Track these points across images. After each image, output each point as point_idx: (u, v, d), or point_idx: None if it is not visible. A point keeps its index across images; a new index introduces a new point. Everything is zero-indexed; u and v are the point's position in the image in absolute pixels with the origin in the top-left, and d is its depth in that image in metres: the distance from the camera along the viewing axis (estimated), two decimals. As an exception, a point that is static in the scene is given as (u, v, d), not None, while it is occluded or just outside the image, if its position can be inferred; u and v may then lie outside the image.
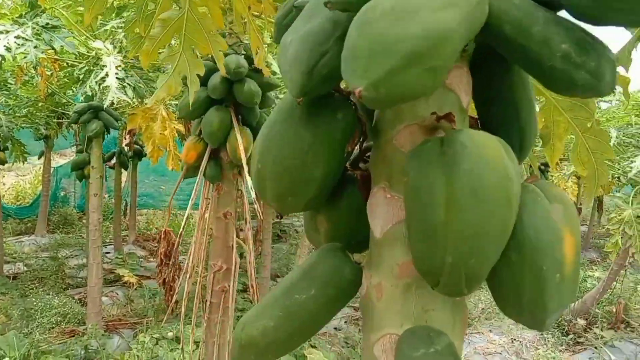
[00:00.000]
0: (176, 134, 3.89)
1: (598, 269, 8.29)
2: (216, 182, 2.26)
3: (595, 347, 5.17)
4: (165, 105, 3.88)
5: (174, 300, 2.30)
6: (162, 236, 2.32)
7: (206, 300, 2.33)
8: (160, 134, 3.77)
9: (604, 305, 5.94)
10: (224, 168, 2.29)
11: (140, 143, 7.21)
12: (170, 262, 2.34)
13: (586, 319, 5.82)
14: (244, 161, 2.06)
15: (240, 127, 2.18)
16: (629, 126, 5.57)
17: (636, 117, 5.65)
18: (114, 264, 6.72)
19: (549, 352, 5.03)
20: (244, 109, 2.24)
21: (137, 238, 8.25)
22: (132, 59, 3.53)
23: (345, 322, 5.38)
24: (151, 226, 9.38)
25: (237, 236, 2.30)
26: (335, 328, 5.20)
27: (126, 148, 7.08)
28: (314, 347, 4.54)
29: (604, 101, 5.77)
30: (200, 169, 2.19)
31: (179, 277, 2.30)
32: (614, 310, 5.94)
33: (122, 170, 7.26)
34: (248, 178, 2.09)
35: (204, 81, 2.21)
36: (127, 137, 6.57)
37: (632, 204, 5.00)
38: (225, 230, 2.32)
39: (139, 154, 7.34)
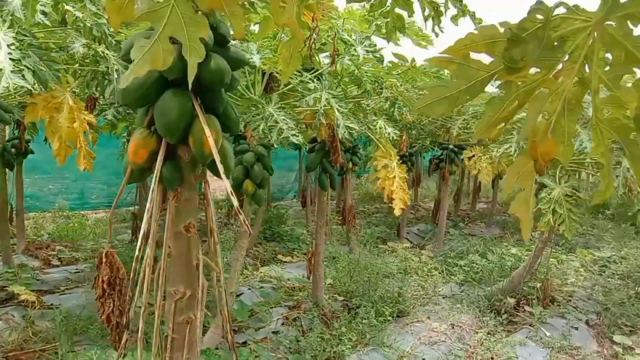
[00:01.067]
0: (87, 127, 3.25)
1: (508, 245, 8.62)
2: (174, 188, 1.76)
3: (531, 325, 5.26)
4: (72, 91, 3.21)
5: (124, 340, 1.78)
6: (103, 260, 1.78)
7: (166, 336, 1.84)
8: (68, 127, 3.11)
9: (528, 282, 6.09)
10: (184, 169, 1.79)
11: (26, 138, 6.26)
12: (116, 292, 1.81)
13: (515, 297, 5.93)
14: (216, 157, 1.59)
15: (205, 115, 1.70)
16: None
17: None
18: (4, 280, 5.75)
19: (490, 335, 5.02)
20: (208, 92, 1.76)
21: (27, 247, 7.21)
22: (28, 36, 2.84)
23: (283, 323, 4.99)
24: (42, 231, 8.29)
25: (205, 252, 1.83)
26: (273, 332, 4.80)
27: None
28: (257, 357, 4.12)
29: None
30: (155, 171, 1.69)
31: (128, 311, 1.78)
32: (538, 286, 6.12)
33: (7, 170, 6.24)
34: (222, 180, 1.62)
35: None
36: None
37: (559, 182, 5.09)
38: (188, 248, 1.84)
39: (24, 152, 6.36)
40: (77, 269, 6.34)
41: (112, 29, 3.56)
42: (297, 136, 3.09)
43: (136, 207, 7.05)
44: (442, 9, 2.09)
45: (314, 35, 2.61)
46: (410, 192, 5.07)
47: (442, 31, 2.15)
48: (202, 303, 1.87)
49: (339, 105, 3.43)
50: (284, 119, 3.17)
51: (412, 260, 7.50)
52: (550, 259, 7.93)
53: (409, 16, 2.20)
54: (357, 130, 3.38)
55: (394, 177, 4.59)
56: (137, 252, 1.62)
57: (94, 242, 7.52)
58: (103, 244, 7.33)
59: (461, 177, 11.86)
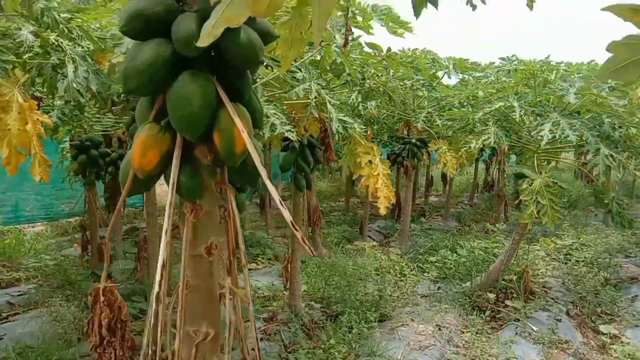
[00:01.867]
0: (42, 130, 2.74)
1: (474, 238, 8.56)
2: (195, 199, 1.36)
3: (517, 320, 5.11)
4: (23, 87, 2.69)
5: (130, 402, 1.36)
6: (100, 298, 1.35)
7: (185, 391, 1.44)
8: (19, 129, 2.59)
9: (504, 276, 5.98)
10: (204, 175, 1.39)
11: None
12: (117, 339, 1.38)
13: (494, 292, 5.79)
14: (255, 156, 1.21)
15: (233, 104, 1.31)
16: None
17: (524, 86, 5.69)
18: None
19: (479, 334, 4.83)
20: (232, 74, 1.37)
21: (-42, 270, 6.40)
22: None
23: (262, 339, 4.59)
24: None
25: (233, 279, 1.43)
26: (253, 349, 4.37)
27: None
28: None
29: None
30: (171, 179, 1.28)
31: (134, 362, 1.36)
32: (515, 279, 6.02)
33: None
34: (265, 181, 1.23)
35: (161, 28, 1.29)
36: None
37: (540, 173, 4.97)
38: (209, 274, 1.43)
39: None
40: (20, 291, 5.64)
41: (64, 15, 3.05)
42: (292, 132, 2.72)
43: (84, 216, 6.39)
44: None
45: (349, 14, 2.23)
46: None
47: (484, 2, 1.85)
48: (229, 345, 1.48)
49: (330, 97, 3.07)
50: (274, 113, 2.78)
51: (382, 259, 7.26)
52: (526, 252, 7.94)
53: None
54: (350, 124, 3.04)
55: (378, 174, 4.29)
56: (155, 288, 1.21)
57: (36, 260, 6.78)
58: (47, 261, 6.63)
59: (416, 171, 11.79)
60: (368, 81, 3.90)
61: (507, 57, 7.59)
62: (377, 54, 4.33)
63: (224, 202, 1.46)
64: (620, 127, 5.12)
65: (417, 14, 1.96)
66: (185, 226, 1.36)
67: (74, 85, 2.93)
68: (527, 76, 5.38)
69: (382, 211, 4.33)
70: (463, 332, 4.97)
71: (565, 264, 7.47)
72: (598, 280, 6.43)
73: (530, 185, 4.91)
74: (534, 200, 4.85)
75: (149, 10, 1.25)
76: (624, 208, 5.27)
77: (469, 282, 6.09)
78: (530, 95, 5.38)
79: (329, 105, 3.00)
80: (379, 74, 4.09)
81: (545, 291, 6.12)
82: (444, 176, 12.74)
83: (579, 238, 8.62)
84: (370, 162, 4.32)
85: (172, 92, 1.26)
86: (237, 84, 1.37)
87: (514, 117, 5.03)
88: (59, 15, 3.04)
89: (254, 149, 1.23)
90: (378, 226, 10.08)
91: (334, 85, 4.08)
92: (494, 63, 8.00)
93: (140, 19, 1.25)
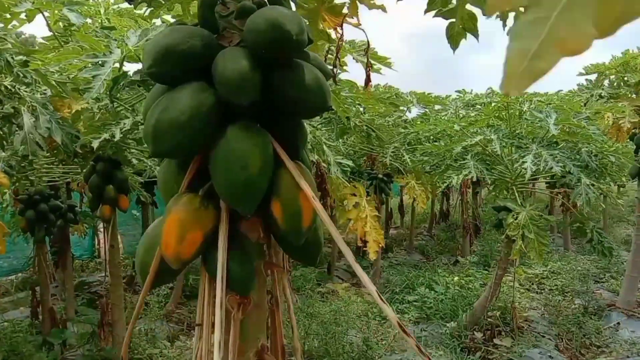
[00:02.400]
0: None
1: (444, 272, 8.39)
2: (247, 292, 1.02)
3: (510, 360, 4.90)
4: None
5: None
6: None
7: None
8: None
9: (487, 312, 5.79)
10: (252, 257, 1.06)
11: None
12: None
13: (480, 331, 5.58)
14: (334, 232, 0.91)
15: (294, 162, 1.01)
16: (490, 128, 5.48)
17: (496, 118, 5.64)
18: None
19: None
20: (287, 126, 1.07)
21: None
22: None
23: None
24: None
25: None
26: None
27: None
28: None
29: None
30: (219, 269, 0.94)
31: None
32: (498, 315, 5.85)
33: None
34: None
35: (196, 68, 0.98)
36: None
37: (525, 206, 4.86)
38: (261, 387, 1.09)
39: None
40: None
41: (18, 58, 2.66)
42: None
43: (33, 276, 5.74)
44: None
45: (339, 45, 1.98)
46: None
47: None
48: None
49: (325, 139, 2.80)
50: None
51: (357, 302, 6.93)
52: (488, 281, 7.82)
53: (484, 15, 1.67)
54: (350, 167, 2.77)
55: (366, 216, 4.02)
56: None
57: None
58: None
59: (386, 206, 11.65)
60: (353, 119, 3.66)
61: (464, 89, 7.63)
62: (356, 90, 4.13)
63: (272, 288, 1.13)
64: (596, 155, 5.13)
65: (454, 45, 1.73)
66: (232, 326, 1.02)
67: (32, 136, 2.52)
68: (500, 108, 5.32)
69: (372, 256, 4.07)
70: (457, 378, 4.69)
71: (539, 293, 7.40)
72: (577, 309, 6.36)
73: (515, 219, 4.77)
74: (521, 235, 4.71)
75: (183, 45, 0.94)
76: (604, 237, 5.22)
77: (453, 322, 5.85)
78: (503, 127, 5.32)
79: (325, 148, 2.71)
80: (362, 112, 3.86)
81: (529, 325, 5.96)
82: (400, 208, 12.71)
83: (547, 265, 8.62)
84: (357, 203, 4.06)
85: (219, 153, 0.94)
86: (293, 137, 1.06)
87: (494, 150, 4.92)
88: (12, 57, 2.65)
89: (329, 221, 0.92)
90: (345, 264, 9.77)
91: (317, 123, 3.83)
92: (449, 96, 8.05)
93: (174, 57, 0.93)
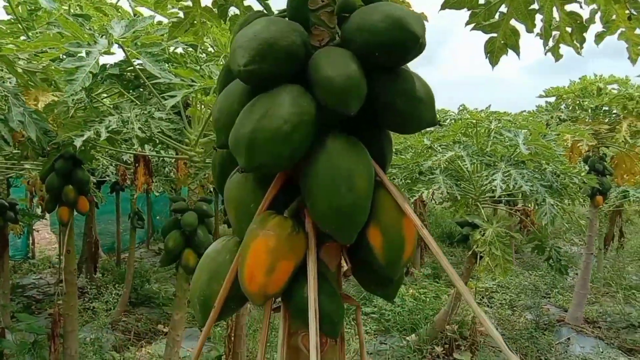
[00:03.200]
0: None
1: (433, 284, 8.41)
2: (337, 333, 0.89)
3: (471, 376, 4.92)
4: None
5: None
6: None
7: None
8: None
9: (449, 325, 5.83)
10: (337, 290, 0.93)
11: None
12: None
13: (440, 345, 5.60)
14: (443, 261, 0.80)
15: (391, 183, 0.88)
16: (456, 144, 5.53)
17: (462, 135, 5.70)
18: None
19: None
20: (383, 140, 0.95)
21: None
22: None
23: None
24: None
25: None
26: None
27: None
28: None
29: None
30: (312, 305, 0.80)
31: None
32: (456, 329, 5.89)
33: None
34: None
35: (290, 69, 0.84)
36: None
37: (492, 223, 4.91)
38: None
39: None
40: None
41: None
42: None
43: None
44: (584, 22, 1.54)
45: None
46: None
47: (579, 53, 1.59)
48: None
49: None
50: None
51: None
52: (441, 295, 7.92)
53: (527, 31, 1.61)
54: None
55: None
56: None
57: None
58: None
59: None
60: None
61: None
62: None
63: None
64: (558, 175, 5.27)
65: (494, 61, 1.66)
66: (307, 370, 0.87)
67: (-2, 129, 2.25)
68: (469, 125, 5.38)
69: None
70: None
71: (490, 307, 7.55)
72: (529, 324, 6.51)
73: (482, 236, 4.81)
74: (489, 252, 4.75)
75: (283, 41, 0.80)
76: (562, 256, 5.37)
77: (414, 335, 5.84)
78: (472, 144, 5.38)
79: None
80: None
81: (485, 339, 6.04)
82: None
83: (494, 280, 8.83)
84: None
85: (319, 170, 0.80)
86: (383, 153, 0.93)
87: (464, 166, 4.95)
88: (-21, 40, 2.37)
89: (438, 250, 0.81)
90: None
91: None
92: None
93: (274, 54, 0.78)
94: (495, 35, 1.62)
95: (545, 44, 1.65)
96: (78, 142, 2.13)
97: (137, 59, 2.45)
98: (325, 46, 0.89)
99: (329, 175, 0.79)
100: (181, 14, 1.88)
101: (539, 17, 1.59)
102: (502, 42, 1.62)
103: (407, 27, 0.77)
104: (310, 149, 0.82)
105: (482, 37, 1.60)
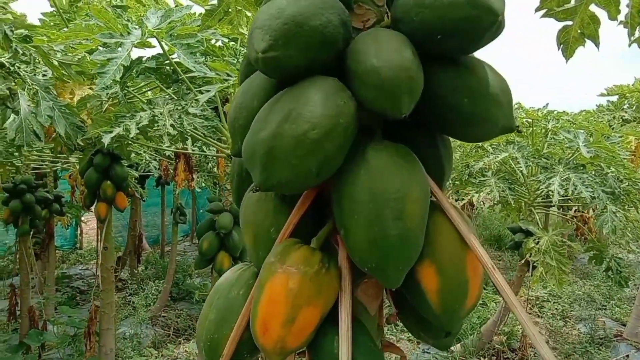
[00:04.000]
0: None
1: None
2: None
3: (521, 394, 4.61)
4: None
5: None
6: None
7: None
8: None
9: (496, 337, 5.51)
10: (376, 341, 0.74)
11: None
12: None
13: (487, 356, 5.30)
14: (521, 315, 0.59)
15: (451, 204, 0.68)
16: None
17: (516, 135, 5.36)
18: None
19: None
20: (432, 147, 0.75)
21: None
22: None
23: None
24: None
25: None
26: None
27: None
28: None
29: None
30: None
31: None
32: (503, 340, 5.57)
33: None
34: None
35: (323, 58, 0.64)
36: None
37: (547, 230, 4.58)
38: None
39: None
40: None
41: (18, 32, 2.30)
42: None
43: (14, 278, 5.34)
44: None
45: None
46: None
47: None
48: None
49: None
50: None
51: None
52: (488, 302, 7.57)
53: (610, 18, 1.36)
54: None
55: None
56: None
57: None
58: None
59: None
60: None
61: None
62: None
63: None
64: (621, 180, 4.88)
65: (569, 54, 1.42)
66: None
67: (29, 124, 2.16)
68: (522, 124, 5.04)
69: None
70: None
71: (541, 317, 7.16)
72: (584, 337, 6.11)
73: (537, 244, 4.49)
74: (543, 261, 4.43)
75: (316, 19, 0.60)
76: (623, 267, 4.98)
77: (458, 345, 5.56)
78: (527, 144, 5.04)
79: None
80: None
81: (535, 353, 5.69)
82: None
83: (546, 287, 8.39)
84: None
85: (357, 190, 0.61)
86: (440, 166, 0.73)
87: (518, 168, 4.64)
88: (11, 30, 2.28)
89: (512, 296, 0.60)
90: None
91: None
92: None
93: (304, 36, 0.59)
94: (570, 23, 1.38)
95: (631, 33, 1.39)
96: (107, 139, 2.02)
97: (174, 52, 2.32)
98: (370, 28, 0.70)
99: (370, 197, 0.59)
100: (215, 1, 1.73)
101: (624, 2, 1.34)
102: (579, 31, 1.37)
103: (486, 2, 0.56)
104: (346, 161, 0.63)
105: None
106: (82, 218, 10.66)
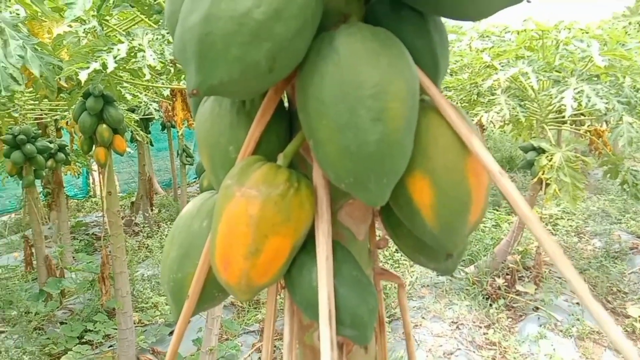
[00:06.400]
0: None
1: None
2: (368, 338, 0.59)
3: (536, 309, 4.64)
4: None
5: None
6: None
7: None
8: None
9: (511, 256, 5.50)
10: (364, 272, 0.63)
11: None
12: None
13: (501, 276, 5.31)
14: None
15: (447, 100, 0.54)
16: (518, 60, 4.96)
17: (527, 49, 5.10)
18: None
19: (505, 331, 4.31)
20: (420, 29, 0.60)
21: None
22: None
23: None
24: None
25: None
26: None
27: None
28: None
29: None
30: (324, 301, 0.51)
31: None
32: (518, 260, 5.57)
33: None
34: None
35: None
36: None
37: (560, 145, 4.44)
38: None
39: None
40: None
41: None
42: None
43: (25, 223, 5.36)
44: None
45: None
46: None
47: None
48: None
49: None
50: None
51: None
52: (501, 223, 7.55)
53: None
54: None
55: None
56: None
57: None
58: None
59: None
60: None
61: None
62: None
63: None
64: (638, 90, 4.66)
65: None
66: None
67: (4, 67, 2.02)
68: (532, 38, 4.77)
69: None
70: (481, 328, 4.44)
71: (555, 235, 7.13)
72: (599, 252, 6.10)
73: (550, 161, 4.36)
74: (556, 178, 4.31)
75: None
76: (639, 179, 4.85)
77: (472, 266, 5.58)
78: (537, 58, 4.79)
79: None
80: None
81: (550, 270, 5.69)
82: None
83: (559, 205, 8.32)
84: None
85: (324, 86, 0.48)
86: (440, 55, 0.60)
87: (529, 84, 4.43)
88: (-28, -35, 2.10)
89: (525, 207, 0.49)
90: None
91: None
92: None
93: None
94: None
95: None
96: (83, 76, 1.88)
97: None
98: None
99: (341, 95, 0.47)
100: None
101: None
102: None
103: None
104: (310, 53, 0.50)
105: None
106: (94, 167, 10.68)
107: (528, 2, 0.51)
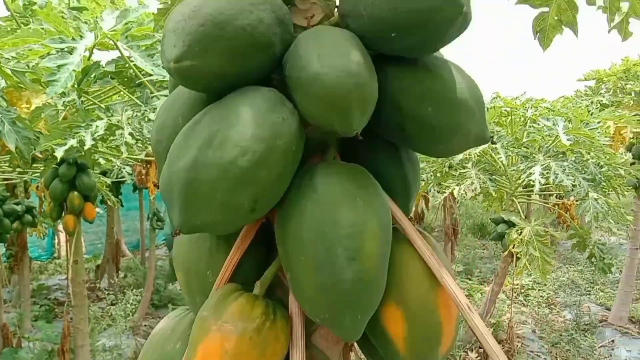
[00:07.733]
0: None
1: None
2: None
3: (510, 386, 4.57)
4: None
5: None
6: None
7: None
8: None
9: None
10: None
11: None
12: None
13: (474, 350, 5.26)
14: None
15: (417, 231, 0.57)
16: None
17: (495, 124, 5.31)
18: None
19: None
20: (392, 163, 0.64)
21: None
22: None
23: None
24: None
25: None
26: None
27: None
28: None
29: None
30: None
31: None
32: (490, 332, 5.53)
33: None
34: None
35: (255, 64, 0.52)
36: None
37: (530, 220, 4.54)
38: None
39: None
40: None
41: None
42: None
43: None
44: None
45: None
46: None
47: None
48: None
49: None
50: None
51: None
52: (473, 293, 7.56)
53: (588, 3, 1.27)
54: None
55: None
56: None
57: None
58: None
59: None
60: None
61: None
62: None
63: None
64: (602, 166, 4.85)
65: (546, 42, 1.33)
66: None
67: (-22, 138, 2.01)
68: (502, 114, 4.99)
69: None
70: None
71: (526, 306, 7.16)
72: (569, 324, 6.12)
73: (519, 235, 4.44)
74: (526, 252, 4.39)
75: (243, 18, 0.49)
76: (606, 253, 4.97)
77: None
78: (506, 134, 4.98)
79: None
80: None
81: (522, 343, 5.68)
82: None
83: (530, 275, 8.40)
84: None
85: (302, 226, 0.50)
86: (412, 184, 0.62)
87: (498, 159, 4.58)
88: (-46, 38, 2.13)
89: (489, 339, 0.50)
90: None
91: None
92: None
93: (225, 40, 0.48)
94: (546, 10, 1.29)
95: (611, 19, 1.30)
96: (59, 153, 1.88)
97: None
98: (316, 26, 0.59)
99: (318, 235, 0.48)
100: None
101: (603, -14, 1.25)
102: (556, 18, 1.28)
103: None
104: (291, 187, 0.52)
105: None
106: (59, 227, 10.41)
107: (493, 143, 0.55)
